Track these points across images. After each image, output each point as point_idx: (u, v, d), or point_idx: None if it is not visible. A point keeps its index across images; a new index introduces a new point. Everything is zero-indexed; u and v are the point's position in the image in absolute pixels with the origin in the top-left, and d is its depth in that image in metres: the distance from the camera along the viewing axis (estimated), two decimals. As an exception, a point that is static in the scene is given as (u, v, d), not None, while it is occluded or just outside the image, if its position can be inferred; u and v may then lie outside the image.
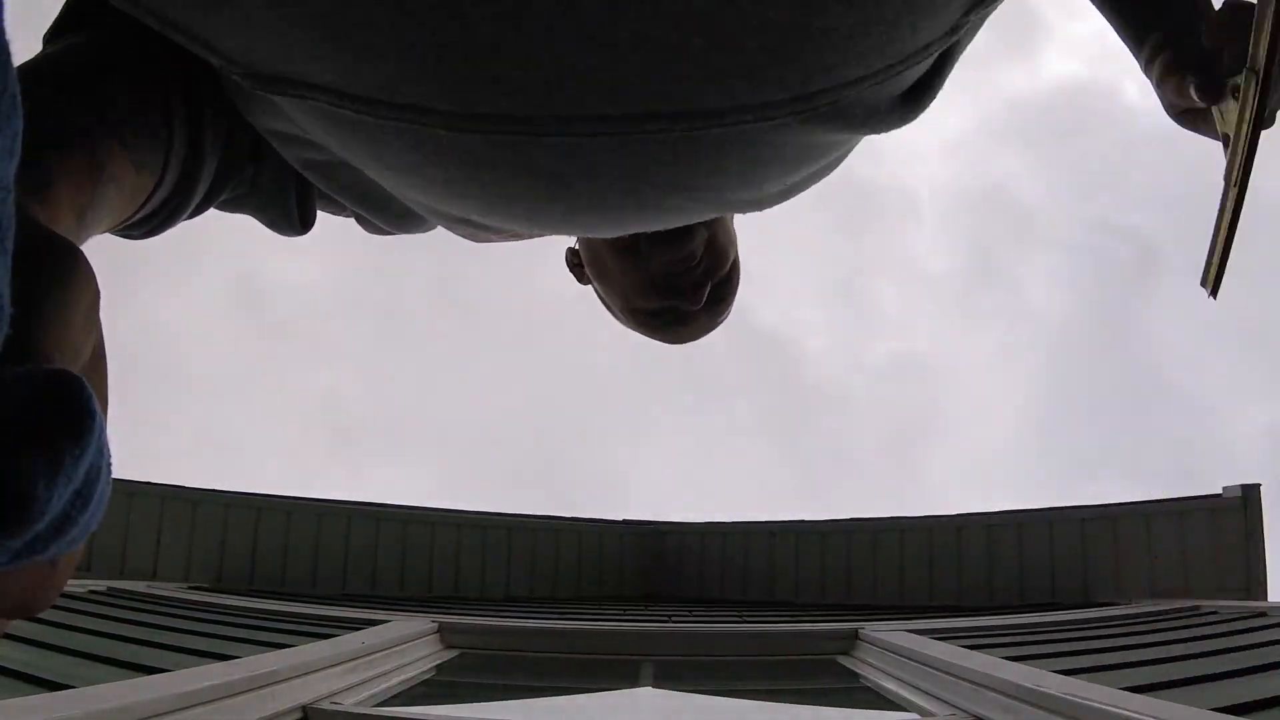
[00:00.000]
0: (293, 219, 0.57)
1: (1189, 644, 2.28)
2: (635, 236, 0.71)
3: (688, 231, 0.70)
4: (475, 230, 0.59)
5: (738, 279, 0.79)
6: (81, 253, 0.27)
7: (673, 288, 0.73)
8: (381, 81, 0.40)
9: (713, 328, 0.81)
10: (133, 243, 0.53)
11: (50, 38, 0.47)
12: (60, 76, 0.42)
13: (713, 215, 0.56)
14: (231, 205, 0.55)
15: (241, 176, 0.53)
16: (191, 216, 0.53)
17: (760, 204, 0.55)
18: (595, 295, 0.82)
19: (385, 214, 0.59)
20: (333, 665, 1.92)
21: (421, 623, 2.73)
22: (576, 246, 0.82)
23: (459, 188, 0.48)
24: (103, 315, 0.30)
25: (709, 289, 0.74)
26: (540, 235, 0.62)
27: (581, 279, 0.83)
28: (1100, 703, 1.41)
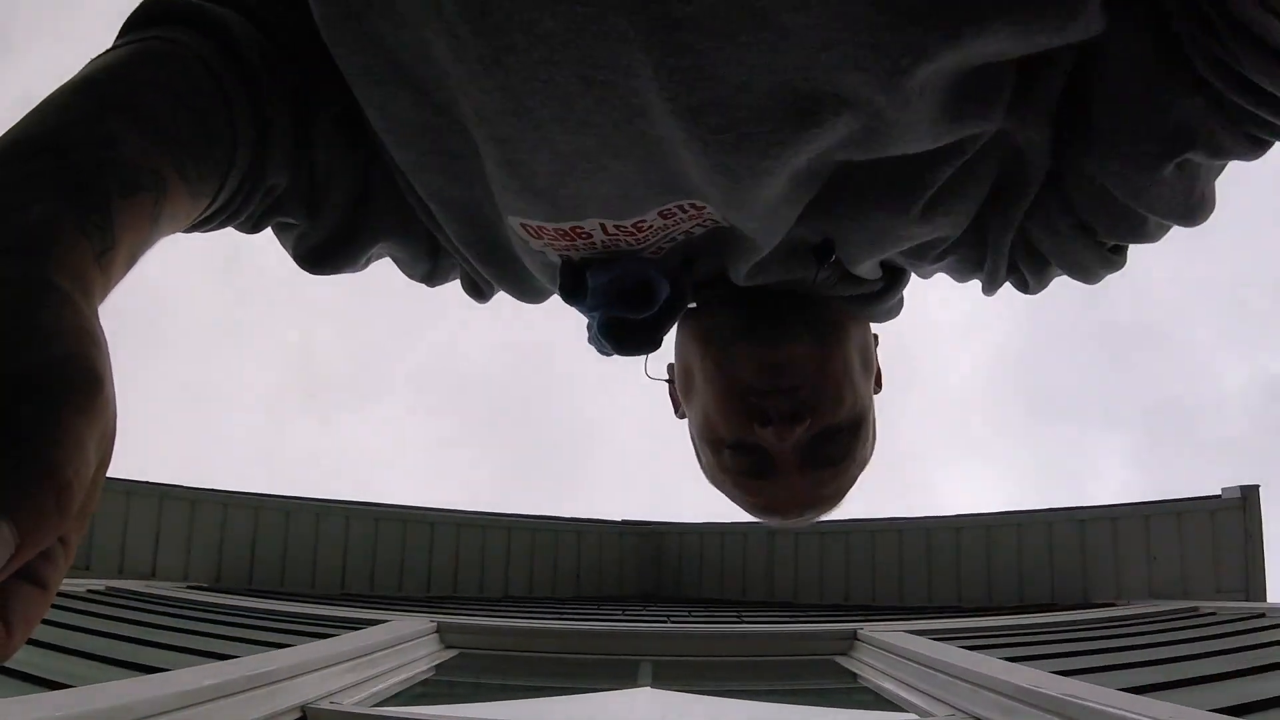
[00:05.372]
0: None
1: (1188, 645, 2.28)
2: (725, 324, 0.61)
3: (786, 329, 0.59)
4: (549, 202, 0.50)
5: (858, 449, 0.62)
6: (105, 385, 0.29)
7: (754, 406, 0.59)
8: None
9: (809, 504, 0.64)
10: None
11: (128, 29, 0.45)
12: (130, 102, 0.39)
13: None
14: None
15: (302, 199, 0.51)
16: (248, 228, 0.52)
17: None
18: (690, 438, 0.70)
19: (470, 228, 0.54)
20: (332, 665, 1.92)
21: (420, 622, 2.73)
22: (674, 363, 0.70)
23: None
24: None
25: (806, 433, 0.59)
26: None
27: (677, 409, 0.71)
28: (1100, 703, 1.41)
